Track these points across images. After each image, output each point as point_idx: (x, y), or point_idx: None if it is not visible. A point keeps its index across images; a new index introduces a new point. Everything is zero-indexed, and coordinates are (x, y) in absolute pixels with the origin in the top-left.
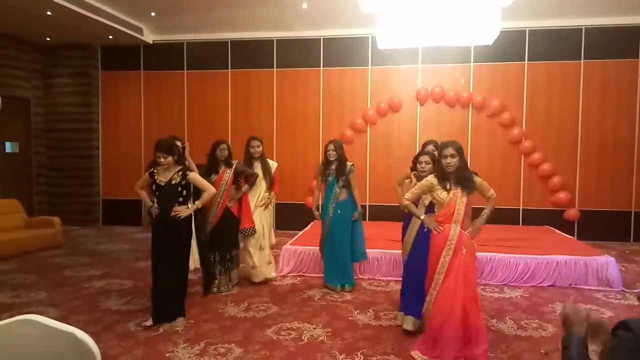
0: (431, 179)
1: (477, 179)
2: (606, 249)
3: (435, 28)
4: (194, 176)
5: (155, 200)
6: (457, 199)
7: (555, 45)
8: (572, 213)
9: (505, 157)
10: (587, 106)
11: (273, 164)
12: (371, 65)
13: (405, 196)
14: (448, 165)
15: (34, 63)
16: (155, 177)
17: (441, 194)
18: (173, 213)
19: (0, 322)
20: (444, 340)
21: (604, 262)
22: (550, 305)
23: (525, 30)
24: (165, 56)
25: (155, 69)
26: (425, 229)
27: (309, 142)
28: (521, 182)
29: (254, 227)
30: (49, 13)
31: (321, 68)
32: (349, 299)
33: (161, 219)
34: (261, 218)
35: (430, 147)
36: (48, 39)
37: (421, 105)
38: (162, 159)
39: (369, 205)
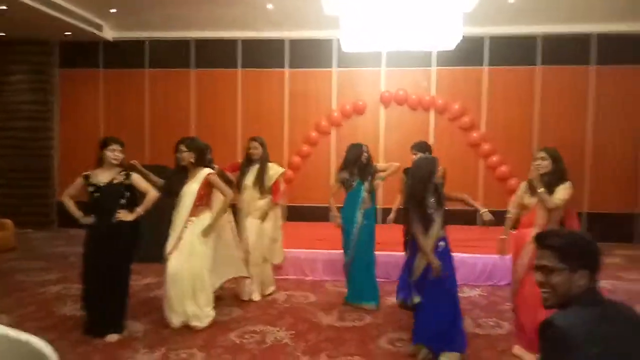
0: (524, 184)
1: (565, 186)
2: None
3: (398, 32)
4: (138, 177)
5: (91, 206)
6: (538, 206)
7: (513, 51)
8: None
9: (465, 159)
10: (542, 110)
11: (276, 170)
12: (336, 68)
13: (510, 208)
14: (536, 168)
15: None
16: (91, 179)
17: (527, 200)
18: (117, 217)
19: None
20: (529, 339)
21: None
22: (507, 304)
23: (485, 36)
24: (126, 54)
25: (115, 66)
26: (441, 249)
27: (274, 143)
28: (480, 184)
29: None
30: (3, 7)
31: (286, 69)
32: (313, 300)
33: (101, 224)
34: (254, 230)
35: (413, 151)
36: (3, 34)
37: (385, 107)
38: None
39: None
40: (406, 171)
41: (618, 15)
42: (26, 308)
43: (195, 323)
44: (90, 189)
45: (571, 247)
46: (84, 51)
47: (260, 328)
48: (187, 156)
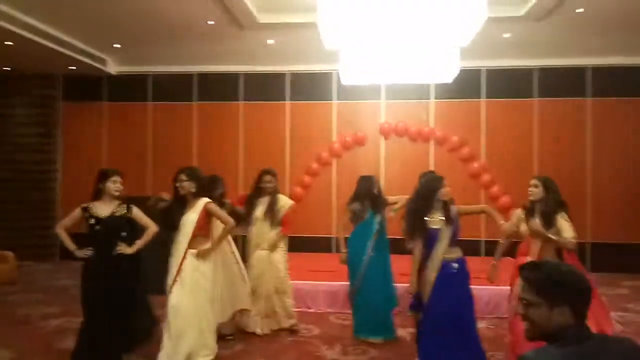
0: (519, 211)
1: (561, 218)
2: None
3: (396, 66)
4: (138, 211)
5: (91, 238)
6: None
7: (510, 83)
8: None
9: (466, 190)
10: (541, 141)
11: (286, 202)
12: (336, 100)
13: (502, 233)
14: (529, 195)
15: None
16: (91, 210)
17: (523, 228)
18: (118, 250)
19: None
20: None
21: None
22: None
23: (482, 69)
24: (129, 87)
25: (118, 100)
26: (453, 270)
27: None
28: (482, 214)
29: None
30: (9, 43)
31: (287, 102)
32: (316, 333)
33: (100, 257)
34: (264, 261)
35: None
36: (8, 68)
37: (385, 139)
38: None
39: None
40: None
41: (612, 49)
42: (27, 342)
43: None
44: (91, 221)
45: (548, 282)
46: (87, 85)
47: None
48: (188, 186)
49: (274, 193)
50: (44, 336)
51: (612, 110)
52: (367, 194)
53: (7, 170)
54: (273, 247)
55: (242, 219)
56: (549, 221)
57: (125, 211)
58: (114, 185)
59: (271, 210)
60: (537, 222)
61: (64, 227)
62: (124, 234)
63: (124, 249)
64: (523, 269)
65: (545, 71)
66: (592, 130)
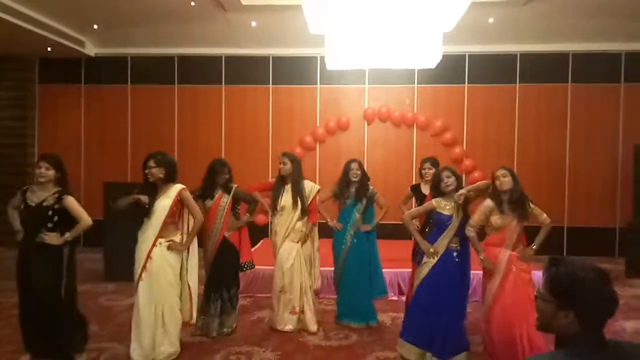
0: (490, 203)
1: (532, 206)
2: (540, 263)
3: (381, 51)
4: (72, 201)
5: (20, 223)
6: (512, 225)
7: (493, 69)
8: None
9: None
10: (522, 127)
11: (312, 188)
12: (320, 84)
13: (470, 227)
14: (502, 185)
15: None
16: (27, 195)
17: (498, 219)
18: (40, 238)
19: None
20: (506, 356)
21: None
22: None
23: (465, 54)
24: (108, 70)
25: (97, 82)
26: (457, 259)
27: (258, 159)
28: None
29: (252, 262)
30: None
31: (270, 86)
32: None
33: (26, 247)
34: (295, 254)
35: (427, 165)
36: None
37: (368, 124)
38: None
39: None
40: (412, 188)
41: (592, 35)
42: (1, 331)
43: (161, 357)
44: (22, 206)
45: (560, 283)
46: (65, 67)
47: (246, 349)
48: (156, 172)
49: (296, 178)
50: (17, 324)
51: (591, 96)
52: (344, 179)
53: None
54: (304, 239)
55: (252, 205)
56: (523, 211)
57: (54, 202)
58: (38, 171)
59: (298, 198)
60: (528, 251)
61: (12, 206)
62: (49, 224)
63: (49, 238)
64: (547, 263)
65: (528, 56)
66: (572, 116)
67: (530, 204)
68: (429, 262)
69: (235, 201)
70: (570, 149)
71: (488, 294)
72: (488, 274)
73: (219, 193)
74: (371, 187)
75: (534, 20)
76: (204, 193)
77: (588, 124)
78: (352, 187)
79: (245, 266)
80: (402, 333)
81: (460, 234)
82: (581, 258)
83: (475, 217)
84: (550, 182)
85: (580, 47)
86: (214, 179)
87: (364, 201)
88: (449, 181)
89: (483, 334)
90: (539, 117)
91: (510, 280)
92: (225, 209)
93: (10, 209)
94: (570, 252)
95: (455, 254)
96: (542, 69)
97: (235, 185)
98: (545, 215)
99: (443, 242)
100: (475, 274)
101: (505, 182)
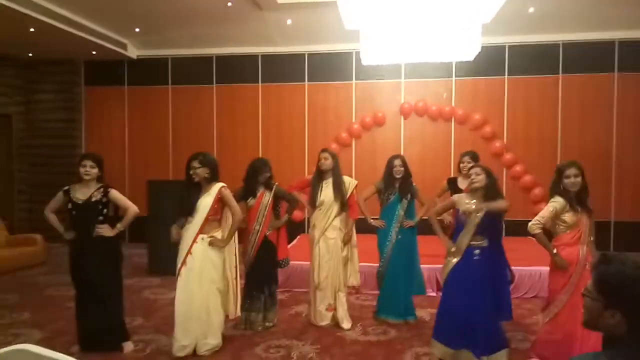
0: (562, 200)
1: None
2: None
3: (417, 44)
4: (117, 193)
5: (70, 222)
6: (584, 221)
7: (534, 60)
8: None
9: None
10: (565, 119)
11: (350, 182)
12: (355, 80)
13: (537, 222)
14: (573, 185)
15: (16, 79)
16: (71, 194)
17: (571, 216)
18: (97, 232)
19: None
20: (563, 353)
21: None
22: (534, 317)
23: (505, 45)
24: (150, 71)
25: (139, 84)
26: (476, 257)
27: (295, 157)
28: (504, 194)
29: (288, 259)
30: (31, 30)
31: (306, 83)
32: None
33: (80, 242)
34: (332, 250)
35: (467, 159)
36: (30, 54)
37: (405, 119)
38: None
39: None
40: (449, 181)
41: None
42: (57, 323)
43: (204, 349)
44: (69, 206)
45: (608, 281)
46: (108, 69)
47: (285, 342)
48: (201, 172)
49: (336, 173)
50: (73, 317)
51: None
52: (389, 176)
53: (33, 155)
54: (347, 239)
55: (293, 205)
56: (587, 205)
57: (102, 195)
58: (83, 169)
59: (339, 193)
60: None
61: (50, 209)
62: (100, 218)
63: (104, 231)
64: (597, 259)
65: (571, 46)
66: (619, 107)
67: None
68: (450, 261)
69: (277, 199)
70: (617, 141)
71: (564, 293)
72: (561, 273)
73: (260, 191)
74: (413, 184)
75: (576, 8)
76: (246, 192)
77: (636, 115)
78: (396, 184)
79: (283, 263)
80: (434, 333)
81: (485, 231)
82: (633, 254)
83: (545, 215)
84: (595, 176)
85: (626, 34)
86: (256, 177)
87: (408, 198)
88: (476, 178)
89: (538, 333)
90: (583, 109)
91: (584, 277)
92: (267, 208)
93: (49, 214)
94: (617, 247)
95: (477, 251)
96: (586, 58)
97: (276, 183)
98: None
99: (463, 240)
100: (516, 269)
101: (577, 182)
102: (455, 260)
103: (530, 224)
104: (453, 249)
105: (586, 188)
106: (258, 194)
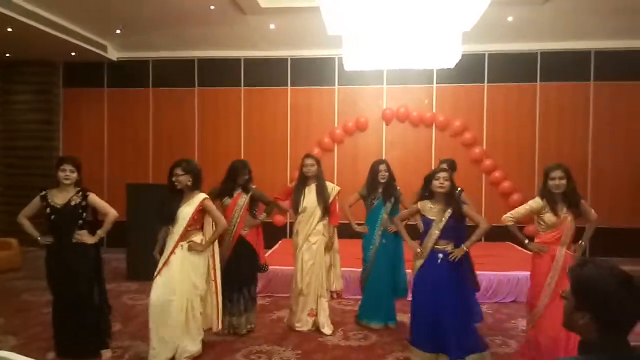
0: (540, 201)
1: (582, 202)
2: None
3: (399, 51)
4: (96, 197)
5: (48, 227)
6: (567, 223)
7: (513, 68)
8: (531, 229)
9: (468, 176)
10: (543, 126)
11: (333, 189)
12: (338, 85)
13: (510, 216)
14: (557, 187)
15: None
16: (49, 199)
17: (551, 217)
18: (76, 238)
19: None
20: (547, 356)
21: None
22: (512, 321)
23: (485, 53)
24: (130, 73)
25: (119, 86)
26: (440, 261)
27: (277, 160)
28: (483, 200)
29: (267, 264)
30: (9, 29)
31: (289, 87)
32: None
33: (58, 247)
34: (315, 256)
35: (445, 166)
36: (8, 54)
37: (387, 124)
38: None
39: None
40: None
41: (616, 33)
42: (33, 329)
43: (183, 356)
44: (47, 210)
45: (579, 283)
46: (88, 71)
47: (266, 348)
48: (184, 179)
49: (320, 179)
50: (48, 322)
51: (615, 95)
52: (373, 180)
53: (10, 156)
54: (330, 245)
55: (270, 207)
56: (576, 208)
57: (81, 200)
58: (62, 173)
59: (322, 198)
60: (578, 247)
61: (25, 215)
62: (80, 222)
63: (84, 238)
64: (576, 261)
65: (548, 55)
66: (595, 115)
67: (582, 202)
68: (416, 263)
69: (253, 201)
70: (593, 148)
71: (543, 295)
72: (540, 274)
73: (237, 192)
74: (398, 188)
75: (554, 18)
76: (222, 192)
77: (611, 123)
78: (380, 188)
79: (263, 268)
80: (410, 338)
81: (449, 235)
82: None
83: (520, 211)
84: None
85: (602, 44)
86: (234, 178)
87: (392, 201)
88: (444, 184)
89: (526, 336)
90: (560, 116)
91: (565, 279)
92: (242, 209)
93: (22, 218)
94: (593, 253)
95: (440, 255)
96: (564, 67)
97: (254, 187)
98: (593, 211)
99: (427, 245)
100: (495, 275)
101: (561, 185)
102: (419, 262)
103: (504, 215)
104: (418, 250)
105: (575, 190)
106: (235, 195)
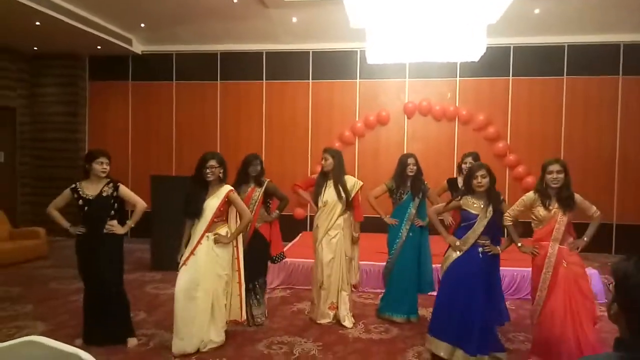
0: (532, 195)
1: (578, 197)
2: (588, 261)
3: (423, 44)
4: (125, 189)
5: (82, 218)
6: (557, 218)
7: (539, 61)
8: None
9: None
10: (569, 120)
11: (355, 184)
12: (359, 79)
13: (507, 215)
14: (554, 181)
15: (21, 72)
16: (80, 191)
17: (541, 212)
18: (107, 229)
19: (4, 344)
20: (555, 353)
21: (587, 274)
22: None
23: (510, 46)
24: (154, 67)
25: (143, 79)
26: (481, 255)
27: (298, 154)
28: (506, 195)
29: (283, 253)
30: (37, 23)
31: (310, 81)
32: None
33: (89, 238)
34: (336, 249)
35: (469, 160)
36: (35, 48)
37: (408, 118)
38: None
39: None
40: (449, 181)
41: None
42: (60, 316)
43: (207, 347)
44: (80, 202)
45: (613, 276)
46: (113, 64)
47: (287, 339)
48: (218, 171)
49: (337, 173)
50: (75, 310)
51: None
52: (401, 174)
53: (38, 148)
54: (355, 240)
55: (283, 202)
56: (569, 202)
57: (112, 190)
58: (100, 166)
59: (341, 194)
60: (579, 242)
61: (55, 206)
62: (112, 212)
63: (115, 228)
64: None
65: (576, 48)
66: (623, 110)
67: (578, 196)
68: (451, 255)
69: (267, 195)
70: (621, 143)
71: (539, 291)
72: (537, 270)
73: (251, 186)
74: (425, 182)
75: (581, 10)
76: (236, 183)
77: (638, 117)
78: (407, 182)
79: (277, 258)
80: (430, 328)
81: (489, 233)
82: None
83: (515, 208)
84: (598, 178)
85: (631, 37)
86: (246, 169)
87: (420, 196)
88: (483, 181)
89: (532, 332)
90: (587, 111)
91: (561, 274)
92: (257, 203)
93: (52, 210)
94: (619, 251)
95: (481, 249)
96: (591, 60)
97: (267, 180)
98: (594, 208)
99: (469, 241)
100: (519, 271)
101: (559, 179)
102: (455, 255)
103: (504, 215)
104: (458, 243)
105: (568, 186)
106: (249, 189)
